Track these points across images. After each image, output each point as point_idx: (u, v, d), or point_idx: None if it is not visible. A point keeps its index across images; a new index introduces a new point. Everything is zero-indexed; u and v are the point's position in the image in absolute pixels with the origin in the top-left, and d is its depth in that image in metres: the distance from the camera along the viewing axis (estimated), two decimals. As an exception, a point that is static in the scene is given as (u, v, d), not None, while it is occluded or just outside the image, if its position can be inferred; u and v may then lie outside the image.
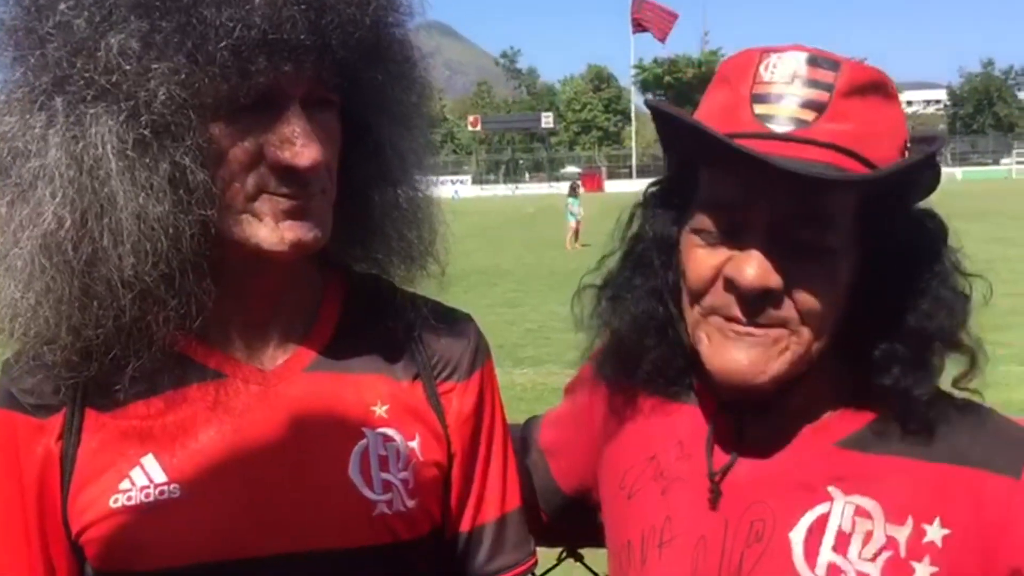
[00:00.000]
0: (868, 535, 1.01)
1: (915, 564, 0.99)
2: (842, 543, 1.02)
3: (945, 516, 1.00)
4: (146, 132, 0.90)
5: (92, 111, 0.90)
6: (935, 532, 1.00)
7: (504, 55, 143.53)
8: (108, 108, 0.90)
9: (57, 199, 0.91)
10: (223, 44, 0.89)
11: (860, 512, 1.03)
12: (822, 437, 1.07)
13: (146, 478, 1.02)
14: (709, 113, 1.04)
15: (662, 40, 68.65)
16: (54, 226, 0.91)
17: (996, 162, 74.10)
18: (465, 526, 1.20)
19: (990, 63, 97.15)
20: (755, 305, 1.00)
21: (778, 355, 1.01)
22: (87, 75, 0.89)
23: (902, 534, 1.00)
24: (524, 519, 1.26)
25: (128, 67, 0.88)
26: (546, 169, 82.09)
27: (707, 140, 0.98)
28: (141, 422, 1.03)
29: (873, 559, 1.00)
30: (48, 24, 0.91)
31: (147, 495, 1.02)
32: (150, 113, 0.89)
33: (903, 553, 1.00)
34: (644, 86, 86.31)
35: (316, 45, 0.94)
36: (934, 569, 0.98)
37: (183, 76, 0.89)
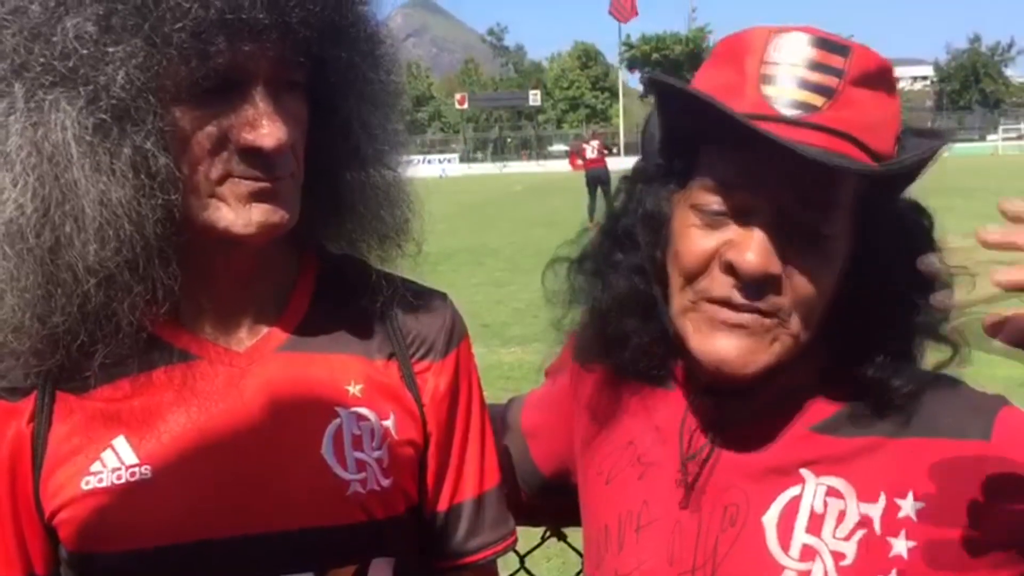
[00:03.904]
0: (841, 514, 1.02)
1: (891, 540, 0.99)
2: (815, 524, 1.02)
3: (918, 489, 1.00)
4: (106, 117, 0.89)
5: (51, 97, 0.89)
6: (909, 506, 1.00)
7: (491, 32, 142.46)
8: (67, 93, 0.89)
9: (18, 186, 0.90)
10: (180, 25, 0.88)
11: (831, 492, 1.03)
12: (798, 422, 1.07)
13: (117, 460, 1.02)
14: (712, 89, 1.01)
15: (623, 20, 68.80)
16: (15, 214, 0.90)
17: (982, 138, 74.20)
18: (443, 505, 1.21)
19: (977, 39, 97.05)
20: (754, 290, 0.99)
21: (768, 346, 1.00)
22: (45, 61, 0.88)
23: (875, 511, 1.01)
24: (503, 498, 1.26)
25: (85, 51, 0.87)
26: (533, 147, 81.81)
27: (717, 118, 0.96)
28: (112, 404, 1.03)
29: (847, 538, 1.01)
30: (3, 10, 0.90)
31: (119, 477, 1.02)
32: (109, 97, 0.88)
33: (878, 530, 1.00)
34: (631, 63, 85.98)
35: (277, 24, 0.93)
36: (911, 543, 0.99)
37: (141, 59, 0.88)
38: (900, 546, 0.99)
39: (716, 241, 1.01)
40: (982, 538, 0.97)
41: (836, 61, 0.98)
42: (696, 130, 1.04)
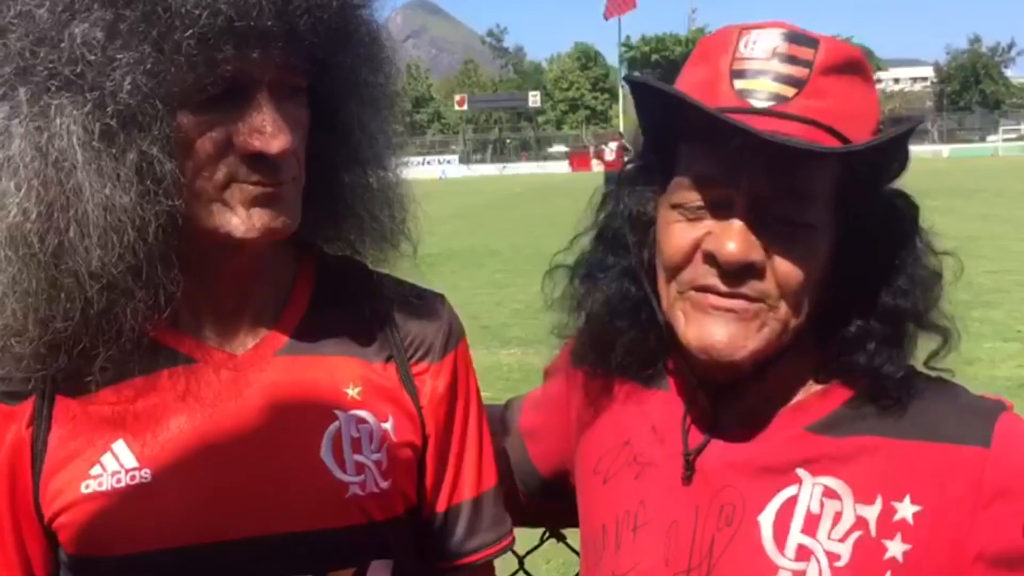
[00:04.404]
0: (837, 516, 1.02)
1: (886, 542, 1.00)
2: (811, 524, 1.02)
3: (915, 493, 1.00)
4: (112, 122, 0.89)
5: (56, 102, 0.89)
6: (906, 509, 1.00)
7: (490, 33, 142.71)
8: (73, 99, 0.89)
9: (22, 191, 0.90)
10: (189, 32, 0.88)
11: (828, 493, 1.03)
12: (794, 421, 1.08)
13: (117, 463, 1.03)
14: (688, 89, 1.04)
15: (606, 17, 69.26)
16: (19, 218, 0.90)
17: (983, 139, 74.26)
18: (441, 506, 1.21)
19: (977, 40, 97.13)
20: (735, 278, 1.00)
21: (757, 331, 1.01)
22: (51, 65, 0.88)
23: (871, 513, 1.01)
24: (500, 498, 1.27)
25: (93, 57, 0.88)
26: (533, 148, 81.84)
27: (690, 113, 0.98)
28: (112, 408, 1.03)
29: (843, 539, 1.01)
30: (9, 14, 0.90)
31: (118, 480, 1.02)
32: (116, 103, 0.89)
33: (873, 532, 1.00)
34: (631, 64, 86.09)
35: (283, 31, 0.93)
36: (906, 547, 0.99)
37: (149, 66, 0.88)
38: (895, 549, 0.99)
39: (698, 233, 1.03)
40: (978, 545, 0.97)
41: (805, 53, 1.00)
42: (674, 130, 1.07)
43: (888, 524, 1.00)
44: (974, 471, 0.98)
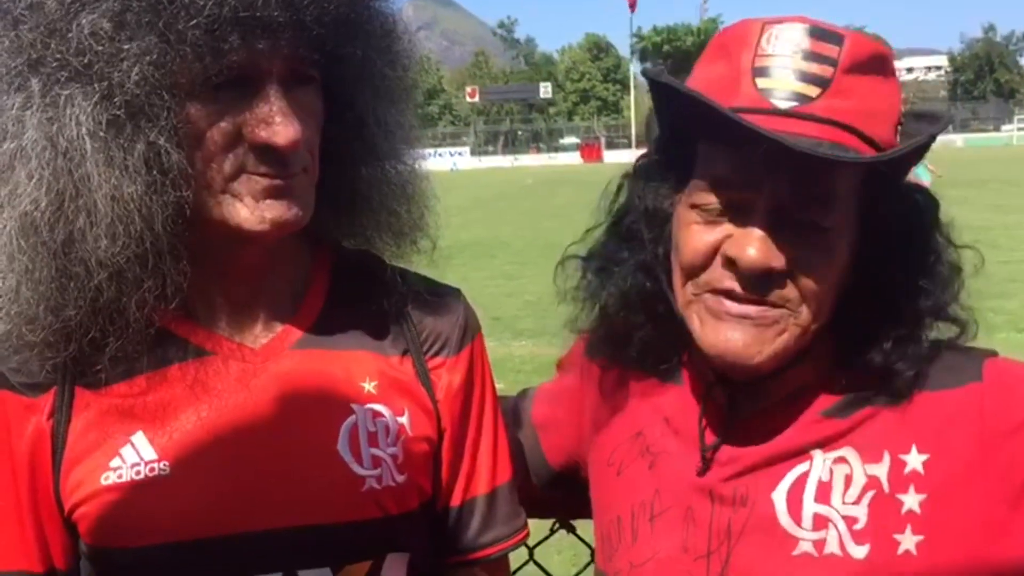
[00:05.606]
0: (848, 479, 1.02)
1: (901, 496, 1.00)
2: (824, 492, 1.03)
3: (920, 442, 1.00)
4: (120, 113, 0.89)
5: (66, 92, 0.89)
6: (914, 460, 1.00)
7: (501, 25, 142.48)
8: (82, 89, 0.89)
9: (33, 180, 0.90)
10: (195, 23, 0.88)
11: (836, 460, 1.03)
12: (809, 410, 1.07)
13: (136, 455, 1.03)
14: (707, 85, 1.01)
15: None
16: (31, 207, 0.91)
17: (997, 128, 73.82)
18: (456, 500, 1.21)
19: (991, 29, 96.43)
20: (758, 285, 0.99)
21: (775, 336, 1.00)
22: (60, 56, 0.89)
23: (881, 470, 1.01)
24: (515, 493, 1.26)
25: (100, 48, 0.88)
26: (545, 140, 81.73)
27: (710, 115, 0.96)
28: (129, 400, 1.04)
29: (857, 501, 1.01)
30: (21, 5, 0.90)
31: (137, 472, 1.02)
32: (124, 94, 0.89)
33: (887, 489, 1.00)
34: (643, 55, 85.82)
35: (291, 21, 0.93)
36: (922, 496, 0.99)
37: (155, 56, 0.88)
38: (911, 501, 0.99)
39: (717, 235, 1.01)
40: (992, 475, 0.97)
41: (830, 50, 0.98)
42: (693, 127, 1.04)
43: (900, 478, 1.00)
44: (972, 405, 0.99)
